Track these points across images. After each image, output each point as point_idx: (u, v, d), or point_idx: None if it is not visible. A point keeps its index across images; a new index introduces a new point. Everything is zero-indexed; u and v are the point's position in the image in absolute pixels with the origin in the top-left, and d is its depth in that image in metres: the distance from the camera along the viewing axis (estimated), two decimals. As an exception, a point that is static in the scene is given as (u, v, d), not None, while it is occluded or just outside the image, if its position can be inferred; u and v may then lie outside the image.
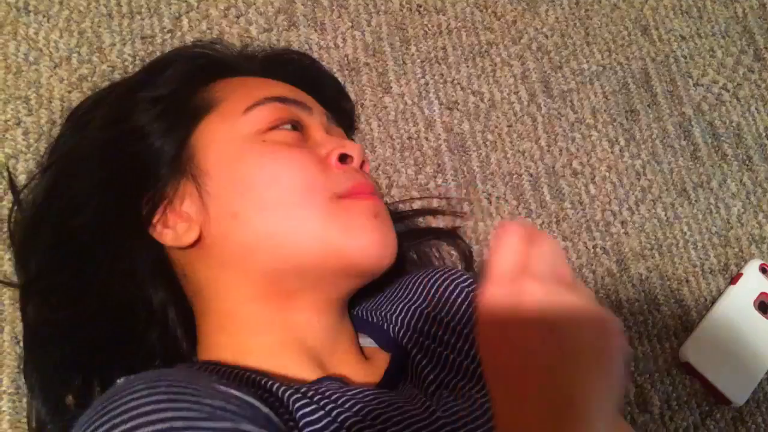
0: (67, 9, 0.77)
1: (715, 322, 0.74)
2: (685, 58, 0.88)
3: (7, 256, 0.65)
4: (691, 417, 0.71)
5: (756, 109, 0.86)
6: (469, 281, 0.60)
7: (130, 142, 0.54)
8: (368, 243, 0.50)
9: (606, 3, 0.89)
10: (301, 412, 0.43)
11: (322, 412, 0.43)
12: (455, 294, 0.58)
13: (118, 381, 0.42)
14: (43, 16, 0.77)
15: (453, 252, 0.72)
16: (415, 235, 0.71)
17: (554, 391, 0.32)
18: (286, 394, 0.43)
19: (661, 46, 0.88)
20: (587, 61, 0.86)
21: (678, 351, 0.72)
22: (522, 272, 0.35)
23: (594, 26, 0.88)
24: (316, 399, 0.44)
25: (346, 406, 0.44)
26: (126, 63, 0.75)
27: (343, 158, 0.53)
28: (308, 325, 0.51)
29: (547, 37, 0.86)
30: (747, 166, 0.83)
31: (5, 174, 0.64)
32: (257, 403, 0.39)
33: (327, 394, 0.45)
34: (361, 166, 0.55)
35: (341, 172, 0.52)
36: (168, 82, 0.58)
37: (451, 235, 0.72)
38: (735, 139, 0.84)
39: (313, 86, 0.62)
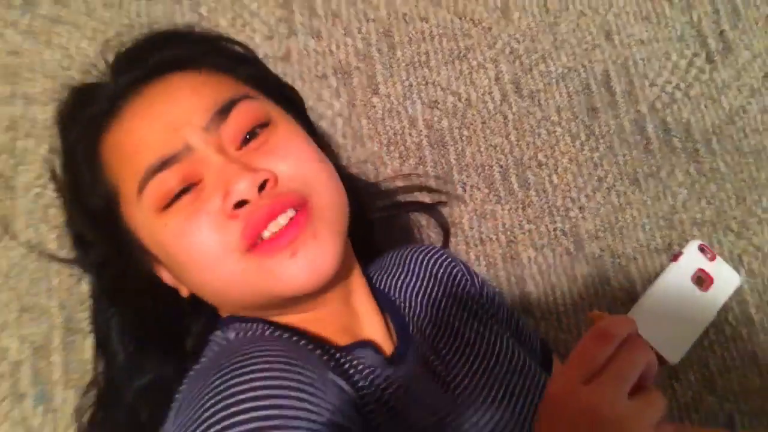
0: (93, 20, 0.88)
1: (657, 293, 0.84)
2: (643, 60, 0.98)
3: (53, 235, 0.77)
4: (633, 375, 0.83)
5: (705, 106, 0.97)
6: (455, 263, 0.70)
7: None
8: (299, 280, 0.50)
9: (573, 10, 0.99)
10: (364, 375, 0.52)
11: (366, 383, 0.52)
12: (441, 270, 0.68)
13: (230, 337, 0.53)
14: (73, 26, 0.88)
15: (431, 234, 0.84)
16: (400, 207, 0.81)
17: None
18: (353, 365, 0.52)
19: (622, 49, 0.98)
20: (554, 64, 0.96)
21: (624, 319, 0.84)
22: (607, 372, 0.41)
23: (561, 32, 0.98)
24: (364, 369, 0.52)
25: (385, 377, 0.53)
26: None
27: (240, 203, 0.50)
28: (325, 313, 0.56)
29: (519, 42, 0.96)
30: (693, 157, 0.94)
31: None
32: (344, 386, 0.47)
33: (373, 362, 0.53)
34: (264, 185, 0.51)
35: (243, 220, 0.50)
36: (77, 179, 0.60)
37: (432, 208, 0.83)
38: (684, 134, 0.95)
39: (179, 64, 0.58)
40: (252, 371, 0.41)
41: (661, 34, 1.00)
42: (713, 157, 0.94)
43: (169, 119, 0.53)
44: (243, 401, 0.40)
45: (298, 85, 0.89)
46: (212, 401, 0.40)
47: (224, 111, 0.53)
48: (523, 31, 0.97)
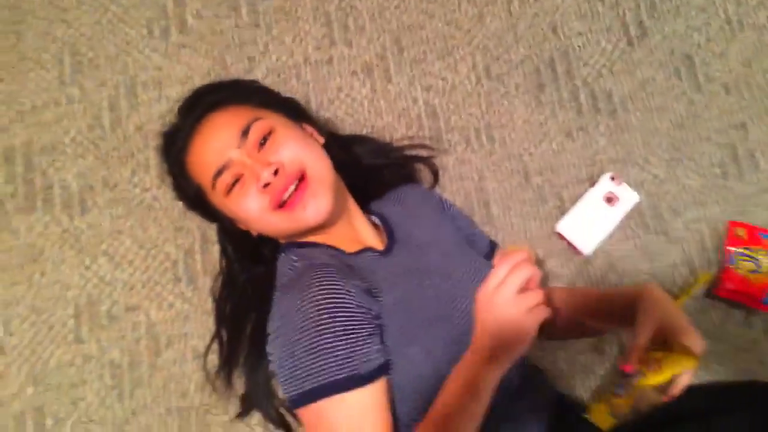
0: (205, 43, 1.35)
1: (578, 209, 1.28)
2: (580, 47, 1.38)
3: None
4: (559, 261, 1.27)
5: (623, 79, 1.36)
6: (430, 194, 1.14)
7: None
8: (310, 220, 0.92)
9: (530, 12, 1.39)
10: (369, 269, 0.95)
11: (374, 272, 0.95)
12: (421, 198, 1.14)
13: (297, 265, 0.93)
14: (192, 49, 1.35)
15: (426, 175, 1.28)
16: (405, 159, 1.25)
17: (493, 338, 0.79)
18: (362, 264, 0.95)
19: (565, 40, 1.38)
20: (515, 54, 1.37)
21: (555, 226, 1.28)
22: (503, 282, 0.78)
23: (520, 29, 1.39)
24: (368, 265, 0.95)
25: (382, 265, 0.97)
26: (241, 74, 1.32)
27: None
28: (336, 233, 0.97)
29: (489, 39, 1.38)
30: (612, 116, 1.34)
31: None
32: (359, 283, 0.86)
33: (373, 259, 0.97)
34: (276, 171, 0.90)
35: (269, 193, 0.91)
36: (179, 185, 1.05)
37: (426, 159, 1.27)
38: (606, 99, 1.35)
39: (216, 105, 0.98)
40: (318, 287, 0.84)
41: (594, 26, 1.39)
42: (627, 115, 1.35)
43: (217, 146, 0.94)
44: (319, 301, 0.83)
45: (336, 80, 1.34)
46: (304, 305, 0.83)
47: (245, 133, 0.93)
48: (493, 30, 1.38)
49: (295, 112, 1.07)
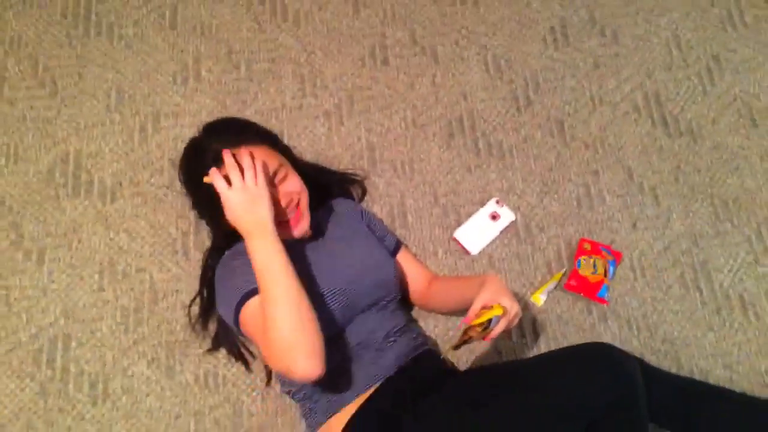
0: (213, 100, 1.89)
1: (471, 222, 1.77)
2: (482, 110, 1.90)
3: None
4: (454, 258, 1.74)
5: (511, 134, 1.87)
6: (354, 205, 1.65)
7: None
8: (298, 235, 1.35)
9: (448, 83, 1.93)
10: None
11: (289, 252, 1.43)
12: (346, 208, 1.63)
13: (228, 252, 1.47)
14: (202, 93, 1.88)
15: (358, 192, 1.77)
16: (345, 180, 1.75)
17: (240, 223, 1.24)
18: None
19: (472, 104, 1.91)
20: (434, 111, 1.90)
21: (453, 233, 1.76)
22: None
23: (440, 94, 1.92)
24: (287, 248, 1.45)
25: (297, 248, 1.43)
26: (236, 113, 1.85)
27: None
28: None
29: (417, 100, 1.91)
30: (502, 159, 1.85)
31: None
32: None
33: (292, 245, 1.42)
34: (290, 201, 1.33)
35: (281, 215, 1.32)
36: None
37: (360, 182, 1.77)
38: (498, 147, 1.86)
39: (248, 139, 1.33)
40: (229, 264, 1.39)
41: (493, 96, 1.93)
42: (512, 159, 1.85)
43: None
44: (228, 272, 1.38)
45: (304, 121, 1.87)
46: (222, 273, 1.40)
47: (275, 175, 1.32)
48: (421, 95, 1.92)
49: (286, 151, 1.53)
